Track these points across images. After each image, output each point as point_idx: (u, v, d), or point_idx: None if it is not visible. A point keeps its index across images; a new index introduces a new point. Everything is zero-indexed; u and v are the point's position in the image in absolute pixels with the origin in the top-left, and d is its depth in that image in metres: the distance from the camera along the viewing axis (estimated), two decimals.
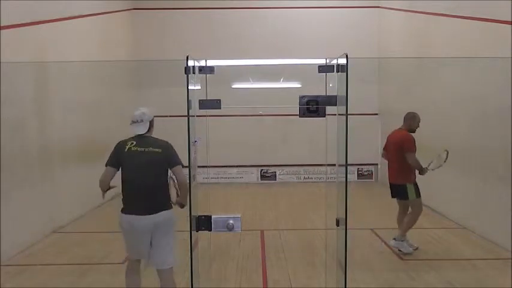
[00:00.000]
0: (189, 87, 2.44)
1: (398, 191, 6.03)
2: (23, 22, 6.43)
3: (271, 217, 8.37)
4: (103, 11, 9.96)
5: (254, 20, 12.36)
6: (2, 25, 5.75)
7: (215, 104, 2.63)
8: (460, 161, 7.49)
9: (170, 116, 10.68)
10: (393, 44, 11.36)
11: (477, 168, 6.88)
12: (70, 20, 8.10)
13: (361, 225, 7.32)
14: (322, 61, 2.81)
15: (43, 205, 6.84)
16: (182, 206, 3.84)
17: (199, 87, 2.72)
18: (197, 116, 2.59)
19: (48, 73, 7.24)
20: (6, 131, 5.77)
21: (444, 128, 8.17)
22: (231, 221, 2.47)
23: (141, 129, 3.86)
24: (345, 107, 2.54)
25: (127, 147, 3.79)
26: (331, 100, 2.70)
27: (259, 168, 12.78)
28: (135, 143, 3.82)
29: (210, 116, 2.81)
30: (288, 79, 10.45)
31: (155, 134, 4.07)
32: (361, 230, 7.04)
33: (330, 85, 2.81)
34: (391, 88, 11.73)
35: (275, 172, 12.79)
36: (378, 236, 6.81)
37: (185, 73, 2.44)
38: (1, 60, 5.57)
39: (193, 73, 2.54)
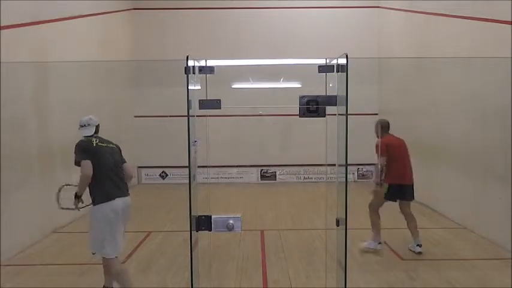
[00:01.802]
0: (189, 87, 2.44)
1: (411, 192, 6.09)
2: (23, 22, 6.43)
3: (271, 217, 8.37)
4: (103, 11, 9.97)
5: (254, 20, 12.36)
6: (2, 25, 5.75)
7: (215, 104, 2.63)
8: (460, 161, 7.49)
9: (170, 116, 10.74)
10: (393, 44, 11.36)
11: (477, 168, 6.88)
12: (70, 20, 8.10)
13: (361, 225, 7.32)
14: (322, 61, 2.80)
15: (43, 205, 6.84)
16: None
17: (199, 87, 2.72)
18: (197, 116, 2.59)
19: (48, 73, 7.24)
20: (6, 131, 5.77)
21: (444, 127, 8.18)
22: (231, 221, 2.46)
23: (88, 132, 4.38)
24: (345, 107, 2.54)
25: (93, 143, 4.28)
26: (331, 100, 2.69)
27: (259, 168, 12.78)
28: (97, 140, 4.33)
29: (210, 116, 2.81)
30: (288, 79, 10.45)
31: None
32: (361, 230, 7.03)
33: (330, 85, 2.81)
34: (391, 88, 11.73)
35: (275, 172, 12.79)
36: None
37: (185, 73, 2.44)
38: (1, 60, 5.57)
39: (193, 73, 2.54)
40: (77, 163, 4.16)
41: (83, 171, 4.12)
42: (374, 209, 6.12)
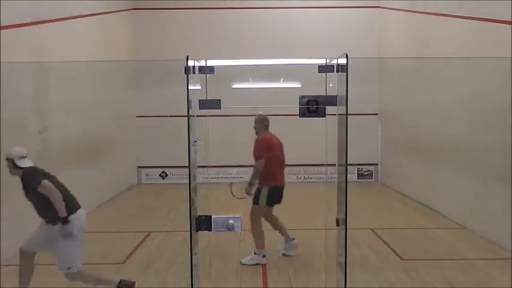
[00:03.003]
0: (189, 87, 2.44)
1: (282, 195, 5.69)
2: (23, 22, 6.42)
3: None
4: (103, 11, 9.96)
5: (254, 20, 12.36)
6: (2, 25, 5.75)
7: (215, 104, 2.63)
8: (460, 161, 7.49)
9: (170, 116, 10.74)
10: (393, 44, 11.36)
11: (477, 168, 6.88)
12: (70, 20, 8.10)
13: (361, 225, 7.33)
14: (322, 61, 2.80)
15: None
16: None
17: (199, 87, 2.72)
18: (197, 116, 2.59)
19: (48, 73, 7.24)
20: (6, 131, 5.77)
21: (444, 127, 8.18)
22: (231, 221, 2.46)
23: (28, 163, 4.19)
24: (345, 107, 2.54)
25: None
26: (331, 100, 2.69)
27: None
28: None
29: (210, 116, 2.81)
30: (288, 79, 10.44)
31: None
32: (361, 230, 7.04)
33: (330, 85, 2.81)
34: (391, 88, 11.74)
35: None
36: (377, 236, 6.81)
37: (185, 73, 2.44)
38: (1, 60, 5.57)
39: (193, 73, 2.54)
40: (37, 189, 4.02)
41: (54, 193, 4.01)
42: (257, 218, 5.57)
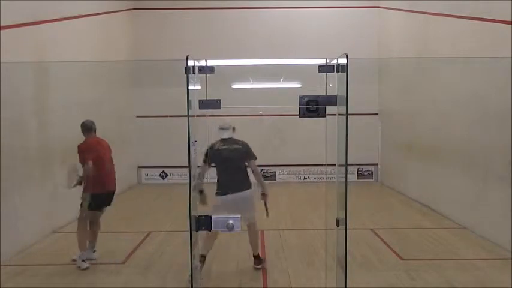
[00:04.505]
0: (189, 87, 2.44)
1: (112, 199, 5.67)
2: (23, 22, 6.43)
3: (271, 217, 8.35)
4: (103, 11, 9.96)
5: (254, 20, 12.36)
6: (2, 25, 5.75)
7: (215, 104, 2.63)
8: (460, 161, 7.49)
9: (170, 116, 10.73)
10: (393, 44, 11.36)
11: (477, 168, 6.88)
12: (70, 20, 8.10)
13: (361, 225, 7.33)
14: (322, 61, 2.80)
15: (43, 205, 6.84)
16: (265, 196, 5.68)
17: (199, 87, 2.72)
18: (197, 116, 2.59)
19: (48, 73, 7.24)
20: (6, 131, 5.77)
21: (444, 127, 8.18)
22: (231, 221, 2.46)
23: (223, 135, 5.14)
24: (345, 107, 2.54)
25: (215, 146, 5.11)
26: (331, 100, 2.69)
27: (259, 168, 12.74)
28: (222, 143, 5.13)
29: (210, 116, 2.81)
30: (288, 79, 10.44)
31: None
32: (361, 230, 7.04)
33: (330, 85, 2.81)
34: (391, 88, 11.74)
35: (275, 172, 12.78)
36: (378, 236, 6.81)
37: (185, 73, 2.43)
38: (1, 60, 5.57)
39: (193, 73, 2.54)
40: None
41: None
42: (84, 223, 5.53)
